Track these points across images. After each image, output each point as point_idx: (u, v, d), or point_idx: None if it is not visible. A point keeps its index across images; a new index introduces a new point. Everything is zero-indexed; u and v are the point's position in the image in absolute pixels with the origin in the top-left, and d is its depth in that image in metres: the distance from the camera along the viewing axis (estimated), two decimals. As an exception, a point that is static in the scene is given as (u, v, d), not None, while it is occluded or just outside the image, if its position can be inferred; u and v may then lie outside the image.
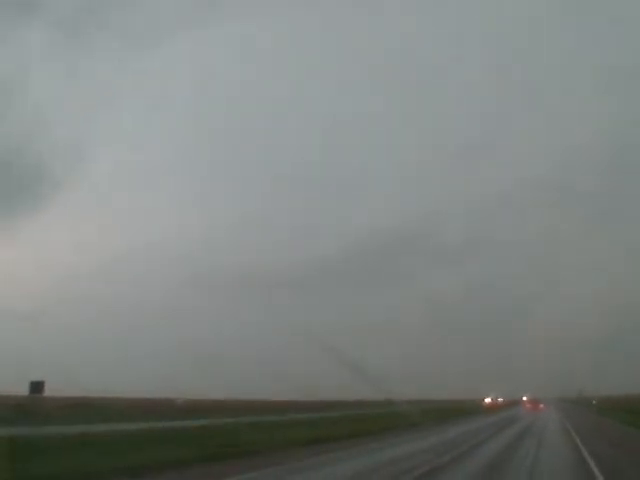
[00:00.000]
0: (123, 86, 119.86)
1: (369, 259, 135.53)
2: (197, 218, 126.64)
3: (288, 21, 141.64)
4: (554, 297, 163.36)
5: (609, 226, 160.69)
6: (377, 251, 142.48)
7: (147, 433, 24.40)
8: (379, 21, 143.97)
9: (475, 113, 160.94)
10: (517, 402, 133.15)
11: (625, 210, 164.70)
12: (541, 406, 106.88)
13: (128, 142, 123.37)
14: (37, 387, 27.00)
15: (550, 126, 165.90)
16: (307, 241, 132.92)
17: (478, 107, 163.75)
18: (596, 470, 14.48)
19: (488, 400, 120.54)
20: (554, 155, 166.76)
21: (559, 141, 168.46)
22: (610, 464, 15.86)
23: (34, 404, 30.89)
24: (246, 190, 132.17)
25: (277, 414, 45.20)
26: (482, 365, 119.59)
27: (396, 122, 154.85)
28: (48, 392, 28.59)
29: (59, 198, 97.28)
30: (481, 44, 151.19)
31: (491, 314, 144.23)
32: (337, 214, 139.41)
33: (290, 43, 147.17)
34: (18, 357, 45.48)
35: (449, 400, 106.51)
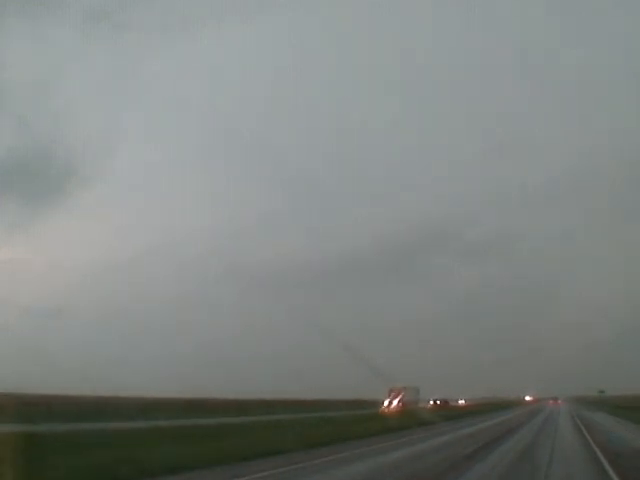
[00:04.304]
0: (140, 84, 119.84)
1: (388, 258, 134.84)
2: (214, 217, 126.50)
3: (308, 21, 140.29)
4: (573, 295, 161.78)
5: (630, 224, 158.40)
6: (397, 250, 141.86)
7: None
8: (408, 20, 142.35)
9: (501, 113, 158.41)
10: (515, 403, 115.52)
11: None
12: (559, 401, 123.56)
13: (145, 140, 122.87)
14: None
15: (577, 126, 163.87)
16: (325, 240, 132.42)
17: (505, 107, 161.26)
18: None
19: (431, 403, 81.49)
20: (580, 155, 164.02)
21: (585, 141, 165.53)
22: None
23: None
24: (264, 189, 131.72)
25: (317, 411, 46.85)
26: (495, 364, 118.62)
27: (418, 123, 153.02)
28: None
29: (76, 196, 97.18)
30: (512, 43, 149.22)
31: (508, 314, 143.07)
32: (358, 213, 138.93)
33: (308, 43, 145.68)
34: (38, 355, 45.25)
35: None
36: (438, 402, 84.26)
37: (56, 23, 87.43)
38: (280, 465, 15.02)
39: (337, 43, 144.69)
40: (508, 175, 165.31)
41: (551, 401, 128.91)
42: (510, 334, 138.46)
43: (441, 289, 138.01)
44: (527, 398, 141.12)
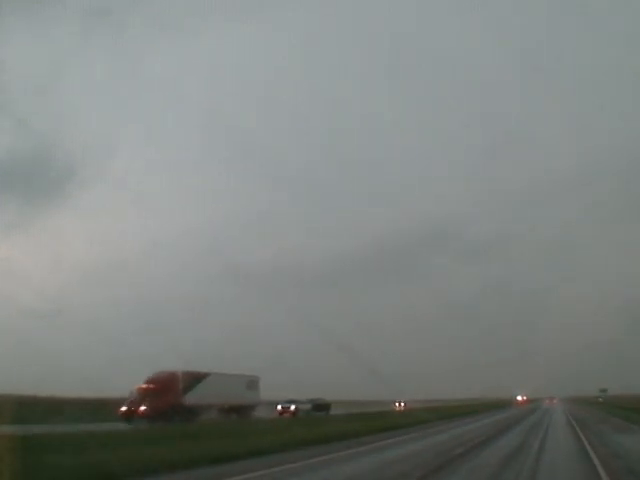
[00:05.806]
0: (140, 84, 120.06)
1: (388, 258, 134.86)
2: (214, 216, 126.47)
3: (308, 21, 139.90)
4: (573, 295, 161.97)
5: (630, 224, 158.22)
6: (397, 250, 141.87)
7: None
8: (409, 20, 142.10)
9: (501, 113, 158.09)
10: (495, 405, 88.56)
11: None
12: (555, 401, 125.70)
13: (145, 140, 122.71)
14: None
15: (577, 126, 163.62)
16: (325, 240, 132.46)
17: (505, 107, 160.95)
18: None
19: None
20: (579, 155, 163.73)
21: (585, 141, 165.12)
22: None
23: None
24: (264, 188, 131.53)
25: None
26: (493, 364, 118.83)
27: (418, 123, 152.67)
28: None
29: (76, 196, 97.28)
30: (512, 43, 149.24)
31: (508, 313, 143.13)
32: (358, 213, 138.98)
33: (308, 43, 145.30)
34: (37, 355, 45.18)
35: (455, 399, 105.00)
36: (292, 408, 47.24)
37: (56, 23, 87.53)
38: None
39: (337, 42, 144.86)
40: (508, 175, 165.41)
41: (547, 400, 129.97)
42: (509, 334, 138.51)
43: (441, 289, 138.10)
44: (518, 398, 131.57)
